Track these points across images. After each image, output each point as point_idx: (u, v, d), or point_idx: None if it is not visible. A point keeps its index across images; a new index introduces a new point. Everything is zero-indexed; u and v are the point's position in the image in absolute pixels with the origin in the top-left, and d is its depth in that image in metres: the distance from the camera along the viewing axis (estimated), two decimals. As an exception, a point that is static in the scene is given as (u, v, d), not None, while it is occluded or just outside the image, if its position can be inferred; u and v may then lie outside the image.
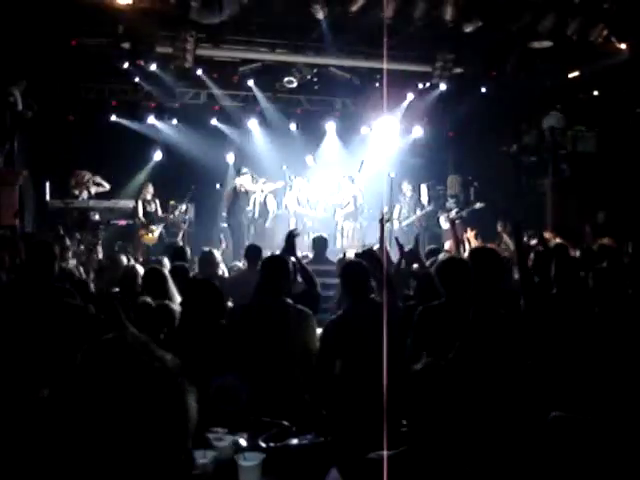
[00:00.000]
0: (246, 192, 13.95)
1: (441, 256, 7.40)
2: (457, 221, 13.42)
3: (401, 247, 6.55)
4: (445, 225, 13.55)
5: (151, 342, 1.57)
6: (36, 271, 5.18)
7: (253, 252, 7.83)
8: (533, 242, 9.49)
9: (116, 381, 1.47)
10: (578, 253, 8.33)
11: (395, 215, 14.37)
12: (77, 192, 13.07)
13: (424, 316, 4.84)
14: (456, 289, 4.84)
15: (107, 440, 1.44)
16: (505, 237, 11.02)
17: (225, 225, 14.14)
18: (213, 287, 4.87)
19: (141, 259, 11.07)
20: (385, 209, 10.99)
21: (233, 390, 3.77)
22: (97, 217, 12.71)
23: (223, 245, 13.07)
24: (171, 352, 1.57)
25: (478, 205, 13.38)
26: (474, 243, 10.08)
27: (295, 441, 3.55)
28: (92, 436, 1.45)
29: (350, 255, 6.09)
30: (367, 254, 5.44)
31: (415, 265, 6.89)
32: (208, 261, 7.78)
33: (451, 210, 13.86)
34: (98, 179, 13.30)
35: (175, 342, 4.53)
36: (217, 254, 7.99)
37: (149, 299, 5.36)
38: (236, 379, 3.87)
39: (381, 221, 7.07)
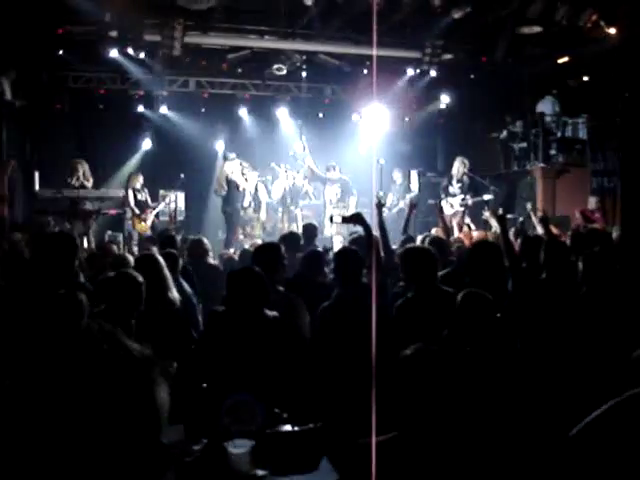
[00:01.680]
0: (235, 182, 13.92)
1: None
2: (460, 208, 13.38)
3: None
4: (449, 210, 13.38)
5: (118, 331, 1.54)
6: (54, 266, 5.10)
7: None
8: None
9: (75, 371, 1.45)
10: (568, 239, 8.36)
11: (388, 203, 14.37)
12: (71, 180, 13.03)
13: (400, 310, 4.94)
14: (421, 278, 4.99)
15: (70, 432, 1.43)
16: (493, 223, 11.01)
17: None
18: (257, 275, 4.65)
19: (135, 248, 11.07)
20: (380, 193, 10.97)
21: (248, 409, 3.70)
22: (88, 206, 12.66)
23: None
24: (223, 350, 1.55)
25: (486, 197, 13.11)
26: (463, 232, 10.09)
27: (286, 428, 3.56)
28: (54, 428, 1.43)
29: (337, 220, 6.03)
30: (355, 218, 5.42)
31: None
32: (197, 249, 7.77)
33: (455, 196, 13.71)
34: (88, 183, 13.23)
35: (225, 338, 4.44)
36: (206, 242, 7.97)
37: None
38: (251, 397, 3.81)
39: (377, 205, 7.04)
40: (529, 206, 10.83)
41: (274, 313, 4.56)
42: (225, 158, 14.18)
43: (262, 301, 4.51)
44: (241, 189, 13.89)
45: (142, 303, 4.72)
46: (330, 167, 14.19)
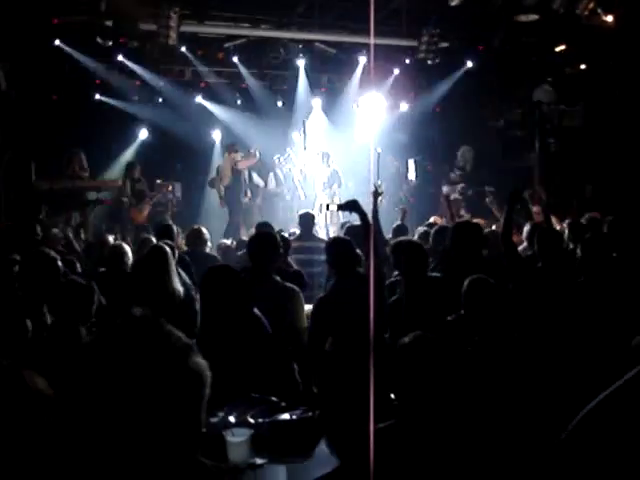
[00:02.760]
0: (239, 170, 13.93)
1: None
2: (457, 197, 13.36)
3: None
4: (452, 197, 13.37)
5: (161, 319, 1.57)
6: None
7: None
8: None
9: (124, 358, 1.46)
10: (566, 227, 8.38)
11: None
12: (68, 170, 13.02)
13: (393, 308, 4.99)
14: (410, 271, 5.07)
15: (118, 417, 1.44)
16: (494, 210, 11.02)
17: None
18: (234, 273, 4.59)
19: (129, 238, 11.04)
20: (379, 182, 10.95)
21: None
22: (85, 197, 12.65)
23: None
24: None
25: (488, 188, 13.10)
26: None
27: (284, 416, 3.56)
28: (101, 415, 1.44)
29: (333, 208, 5.94)
30: (350, 205, 5.38)
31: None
32: (196, 238, 7.77)
33: (457, 184, 13.67)
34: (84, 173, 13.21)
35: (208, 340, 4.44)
36: (205, 231, 7.98)
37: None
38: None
39: (374, 193, 7.03)
40: (526, 195, 10.81)
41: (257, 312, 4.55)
42: (230, 149, 14.19)
43: (241, 298, 4.47)
44: (252, 178, 13.98)
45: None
46: (321, 155, 14.16)
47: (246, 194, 14.26)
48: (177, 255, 6.61)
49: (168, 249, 5.75)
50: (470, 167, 13.78)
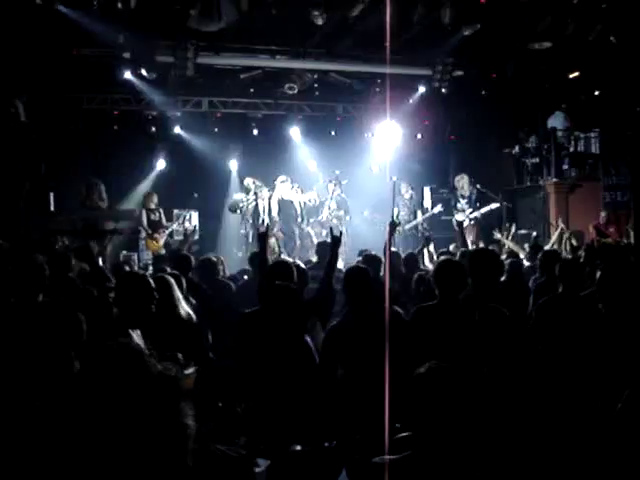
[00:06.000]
0: (291, 201, 14.00)
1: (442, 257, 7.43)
2: (470, 222, 13.37)
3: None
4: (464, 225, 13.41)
5: (145, 353, 1.56)
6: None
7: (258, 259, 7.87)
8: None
9: (95, 390, 1.46)
10: (582, 252, 8.38)
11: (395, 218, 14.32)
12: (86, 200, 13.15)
13: (417, 316, 4.93)
14: (449, 290, 4.91)
15: (91, 451, 1.44)
16: (506, 241, 10.99)
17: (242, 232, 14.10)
18: (294, 293, 4.75)
19: (150, 268, 11.12)
20: (396, 212, 10.93)
21: None
22: (103, 227, 12.74)
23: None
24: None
25: (494, 205, 13.18)
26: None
27: (301, 447, 3.56)
28: (74, 446, 1.45)
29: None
30: (370, 259, 5.40)
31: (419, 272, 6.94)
32: (209, 267, 7.83)
33: (464, 211, 13.71)
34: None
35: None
36: (222, 259, 8.06)
37: None
38: None
39: (391, 224, 7.01)
40: (561, 224, 10.83)
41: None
42: (285, 181, 14.35)
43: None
44: (260, 205, 14.04)
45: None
46: (332, 180, 14.20)
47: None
48: (193, 284, 6.66)
49: (171, 278, 5.82)
50: (475, 194, 13.77)
